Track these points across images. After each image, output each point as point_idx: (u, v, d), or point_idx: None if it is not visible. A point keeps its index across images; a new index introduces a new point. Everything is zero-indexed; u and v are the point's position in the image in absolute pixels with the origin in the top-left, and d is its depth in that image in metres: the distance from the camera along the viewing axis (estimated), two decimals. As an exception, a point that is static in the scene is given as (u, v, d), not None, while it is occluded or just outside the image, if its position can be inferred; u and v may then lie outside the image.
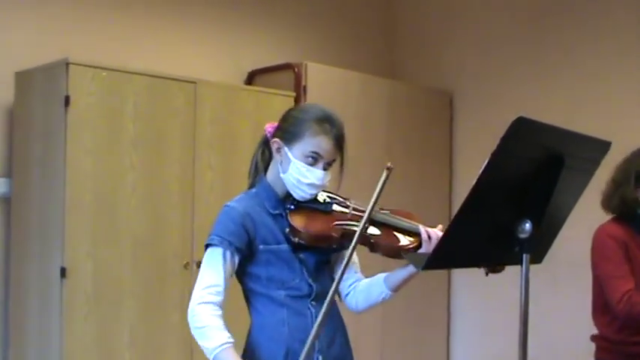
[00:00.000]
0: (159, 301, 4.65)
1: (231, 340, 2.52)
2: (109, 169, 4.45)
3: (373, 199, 2.54)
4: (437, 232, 2.68)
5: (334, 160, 2.72)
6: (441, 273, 6.09)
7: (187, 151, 4.78)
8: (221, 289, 2.59)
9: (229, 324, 2.56)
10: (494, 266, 2.64)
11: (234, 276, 2.70)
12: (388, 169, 2.56)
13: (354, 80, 5.78)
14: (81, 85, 4.33)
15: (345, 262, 2.47)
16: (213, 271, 2.61)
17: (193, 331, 2.57)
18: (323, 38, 6.37)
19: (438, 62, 6.63)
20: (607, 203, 3.75)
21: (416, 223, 2.76)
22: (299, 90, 5.39)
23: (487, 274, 2.66)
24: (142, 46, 5.28)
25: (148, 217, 4.60)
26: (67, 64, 4.28)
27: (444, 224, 2.28)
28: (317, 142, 2.65)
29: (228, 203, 2.71)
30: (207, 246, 2.66)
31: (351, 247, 2.50)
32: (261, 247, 2.65)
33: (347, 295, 2.89)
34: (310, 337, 2.39)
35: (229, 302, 2.63)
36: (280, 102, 5.22)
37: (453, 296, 6.41)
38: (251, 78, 5.80)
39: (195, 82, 4.84)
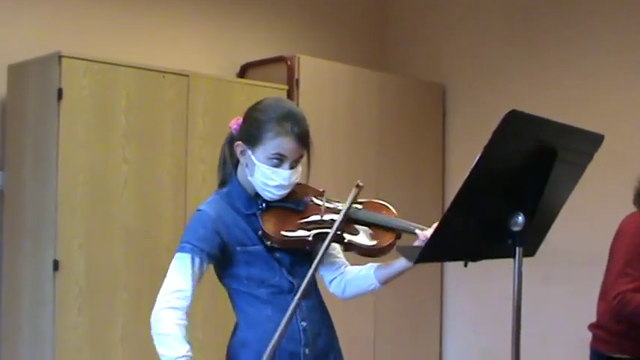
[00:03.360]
0: (152, 294, 4.58)
1: (191, 353, 2.51)
2: (102, 162, 4.45)
3: (341, 215, 2.54)
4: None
5: (301, 157, 2.68)
6: (433, 266, 6.09)
7: (180, 144, 4.78)
8: (188, 294, 2.58)
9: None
10: None
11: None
12: (357, 186, 2.56)
13: (347, 73, 5.78)
14: (74, 78, 4.32)
15: (315, 263, 2.47)
16: (181, 276, 2.59)
17: (154, 336, 2.56)
18: (316, 31, 6.36)
19: (430, 55, 6.63)
20: (637, 199, 3.78)
21: (396, 219, 2.73)
22: (292, 83, 5.39)
23: (465, 265, 2.66)
24: (135, 39, 5.27)
25: (140, 210, 4.60)
26: (60, 57, 4.28)
27: (436, 218, 2.28)
28: (278, 143, 2.60)
29: (200, 207, 2.71)
30: (177, 252, 2.63)
31: (321, 250, 2.48)
32: (238, 248, 2.64)
33: (332, 280, 2.87)
34: (284, 321, 2.37)
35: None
36: (273, 95, 5.22)
37: (446, 289, 6.42)
38: (244, 71, 5.80)
39: (187, 75, 4.84)
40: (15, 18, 4.77)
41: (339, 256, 2.89)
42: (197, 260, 2.60)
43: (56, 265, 4.25)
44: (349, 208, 2.56)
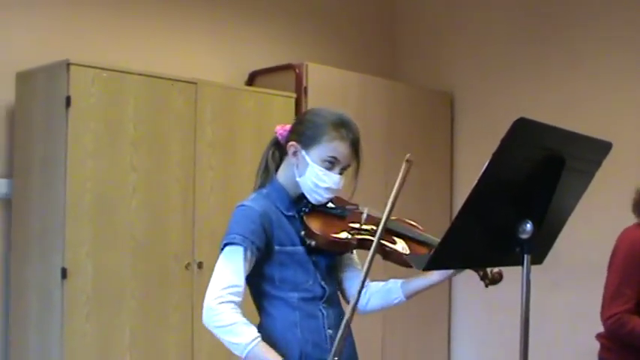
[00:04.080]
0: (159, 302, 4.65)
1: (259, 334, 2.51)
2: (110, 170, 4.45)
3: (393, 195, 2.55)
4: None
5: (349, 166, 2.72)
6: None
7: (188, 152, 4.78)
8: (241, 289, 2.55)
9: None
10: (492, 278, 2.69)
11: None
12: (408, 161, 2.60)
13: (355, 81, 5.78)
14: (82, 85, 4.33)
15: (365, 269, 2.49)
16: (233, 270, 2.55)
17: (217, 330, 2.51)
18: (324, 39, 6.37)
19: (438, 63, 6.63)
20: (636, 209, 3.77)
21: (427, 234, 2.79)
22: (300, 91, 5.39)
23: (487, 286, 2.69)
24: (143, 46, 5.28)
25: (148, 218, 4.60)
26: (68, 64, 4.29)
27: (445, 225, 2.28)
28: (335, 146, 2.65)
29: (244, 202, 2.68)
30: (224, 245, 2.60)
31: (369, 256, 2.51)
32: (276, 247, 2.63)
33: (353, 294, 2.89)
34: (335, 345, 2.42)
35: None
36: (281, 103, 5.23)
37: (454, 297, 6.42)
38: (252, 79, 5.80)
39: (196, 83, 4.84)
40: (23, 26, 4.78)
41: (360, 269, 2.90)
42: (248, 253, 2.56)
43: (64, 273, 4.25)
44: (401, 187, 2.57)
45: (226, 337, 2.50)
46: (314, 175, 2.65)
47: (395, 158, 5.73)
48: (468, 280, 2.81)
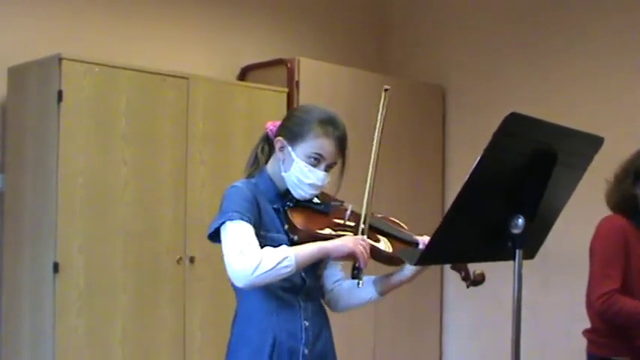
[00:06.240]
0: (152, 296, 4.65)
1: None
2: (102, 164, 4.45)
3: (377, 130, 2.77)
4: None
5: (335, 164, 2.74)
6: (433, 270, 6.09)
7: (180, 146, 4.78)
8: (258, 247, 2.51)
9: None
10: (474, 279, 2.74)
11: None
12: (386, 90, 2.67)
13: (347, 75, 5.79)
14: (74, 80, 4.32)
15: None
16: (245, 236, 2.52)
17: (256, 276, 2.45)
18: (316, 34, 6.37)
19: (430, 57, 6.63)
20: (608, 199, 3.81)
21: (411, 234, 2.82)
22: (292, 85, 5.39)
23: (468, 287, 2.71)
24: (135, 41, 5.28)
25: (140, 212, 4.59)
26: (60, 59, 4.28)
27: (436, 220, 2.28)
28: (320, 143, 2.68)
29: (235, 184, 2.69)
30: (222, 223, 2.56)
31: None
32: (262, 232, 2.63)
33: (330, 291, 2.90)
34: None
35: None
36: (273, 97, 5.23)
37: (446, 293, 6.42)
38: (244, 74, 5.80)
39: (187, 78, 4.84)
40: (15, 20, 4.77)
41: (342, 270, 2.92)
42: (249, 225, 2.55)
43: (56, 268, 4.25)
44: (371, 185, 2.68)
45: (268, 265, 2.45)
46: (298, 171, 2.68)
47: (386, 152, 5.74)
48: (459, 277, 2.82)
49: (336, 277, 2.90)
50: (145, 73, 4.66)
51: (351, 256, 2.57)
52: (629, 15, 5.41)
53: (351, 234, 2.68)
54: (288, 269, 2.48)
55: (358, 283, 2.60)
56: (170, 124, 4.75)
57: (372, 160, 2.78)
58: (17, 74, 4.62)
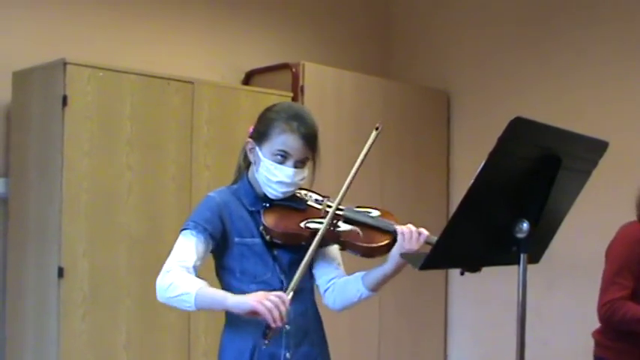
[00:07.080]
0: (156, 301, 4.61)
1: (205, 280, 2.54)
2: (106, 169, 4.45)
3: (356, 165, 2.68)
4: (410, 227, 2.68)
5: (307, 159, 2.74)
6: (437, 273, 6.09)
7: (184, 151, 4.78)
8: (190, 265, 2.60)
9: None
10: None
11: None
12: (377, 129, 2.69)
13: (352, 80, 5.79)
14: (78, 84, 4.33)
15: (305, 259, 2.56)
16: (184, 250, 2.63)
17: (167, 296, 2.56)
18: (321, 38, 6.37)
19: (435, 62, 6.63)
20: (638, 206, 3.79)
21: (390, 221, 2.76)
22: (296, 90, 5.40)
23: (462, 274, 2.67)
24: (140, 46, 5.28)
25: (144, 217, 4.60)
26: (65, 63, 4.28)
27: (441, 224, 2.28)
28: (283, 140, 2.68)
29: (209, 193, 2.78)
30: (181, 231, 2.68)
31: (314, 243, 2.59)
32: (236, 239, 2.69)
33: (326, 290, 2.87)
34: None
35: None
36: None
37: (450, 296, 6.42)
38: (248, 78, 5.81)
39: (192, 82, 4.84)
40: (20, 25, 4.78)
41: (339, 267, 2.89)
42: (201, 237, 2.64)
43: (60, 272, 4.25)
44: (366, 156, 2.69)
45: (173, 298, 2.54)
46: (265, 170, 2.70)
47: (391, 157, 5.76)
48: (464, 278, 2.80)
49: (330, 275, 2.86)
50: (150, 77, 4.66)
51: (253, 314, 2.43)
52: (636, 18, 5.40)
53: (321, 225, 2.66)
54: (187, 305, 2.52)
55: (265, 343, 2.51)
56: (175, 128, 4.75)
57: (353, 170, 2.73)
58: (22, 79, 4.62)
